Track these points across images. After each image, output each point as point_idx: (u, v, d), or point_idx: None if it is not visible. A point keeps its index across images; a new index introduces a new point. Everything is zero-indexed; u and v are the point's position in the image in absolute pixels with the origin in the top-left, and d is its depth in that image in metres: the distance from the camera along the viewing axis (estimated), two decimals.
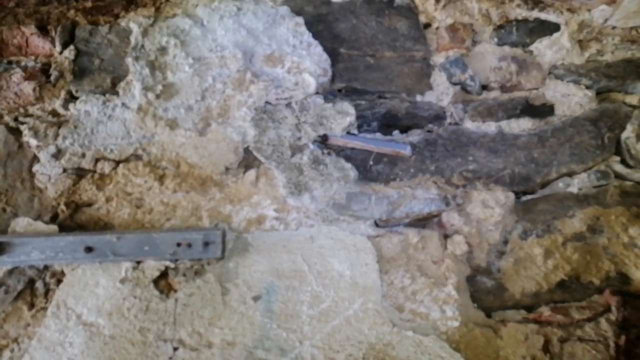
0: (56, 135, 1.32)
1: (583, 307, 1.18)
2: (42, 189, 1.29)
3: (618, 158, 1.34)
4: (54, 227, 1.23)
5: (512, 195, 1.30)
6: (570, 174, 1.33)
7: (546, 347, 1.15)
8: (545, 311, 1.18)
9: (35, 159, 1.31)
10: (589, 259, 1.24)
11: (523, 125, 1.38)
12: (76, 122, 1.33)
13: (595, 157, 1.33)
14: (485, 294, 1.24)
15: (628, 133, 1.33)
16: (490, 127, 1.38)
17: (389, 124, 1.41)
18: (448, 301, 1.20)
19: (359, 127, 1.38)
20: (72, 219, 1.27)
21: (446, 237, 1.29)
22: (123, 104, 1.34)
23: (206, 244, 1.18)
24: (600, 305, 1.18)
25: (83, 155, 1.31)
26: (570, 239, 1.26)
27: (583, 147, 1.34)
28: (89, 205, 1.29)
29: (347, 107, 1.36)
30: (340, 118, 1.35)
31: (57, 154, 1.31)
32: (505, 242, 1.28)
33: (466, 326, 1.17)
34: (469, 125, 1.39)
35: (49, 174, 1.30)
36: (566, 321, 1.17)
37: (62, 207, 1.27)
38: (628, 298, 1.18)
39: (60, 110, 1.34)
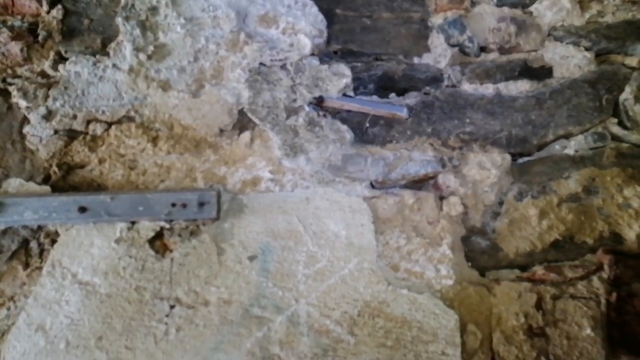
0: (46, 97, 1.30)
1: (576, 266, 1.20)
2: (33, 151, 1.27)
3: (615, 120, 1.33)
4: (46, 188, 1.22)
5: (508, 157, 1.30)
6: (567, 136, 1.33)
7: (539, 304, 1.16)
8: (538, 270, 1.20)
9: (25, 120, 1.29)
10: (583, 219, 1.24)
11: (521, 87, 1.36)
12: (66, 83, 1.30)
13: (593, 119, 1.33)
14: (480, 254, 1.25)
15: (626, 95, 1.32)
16: (488, 89, 1.36)
17: (386, 86, 1.39)
18: (443, 260, 1.21)
19: (355, 89, 1.36)
20: (64, 181, 1.26)
21: (442, 198, 1.29)
22: (114, 65, 1.31)
23: (201, 205, 1.18)
24: (593, 264, 1.19)
25: (74, 117, 1.29)
26: (565, 200, 1.26)
27: (581, 109, 1.33)
28: (82, 166, 1.27)
29: (343, 68, 1.34)
30: (336, 80, 1.33)
31: (48, 116, 1.28)
32: (501, 203, 1.28)
33: (460, 284, 1.18)
34: (467, 87, 1.37)
35: (40, 136, 1.28)
36: (559, 279, 1.18)
37: (54, 168, 1.25)
38: (620, 257, 1.19)
39: (50, 72, 1.31)
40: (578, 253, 1.23)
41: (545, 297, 1.17)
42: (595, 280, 1.17)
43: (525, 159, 1.33)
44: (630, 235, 1.22)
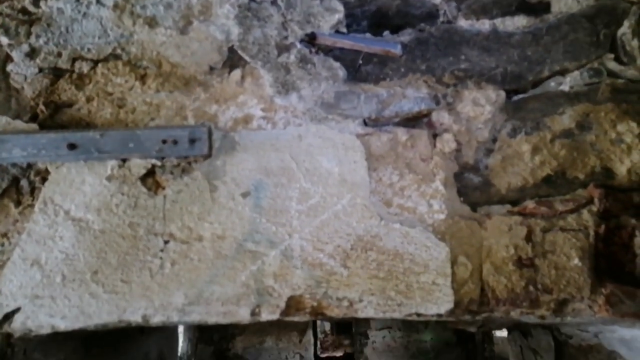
0: (29, 34, 1.25)
1: (567, 200, 1.21)
2: (18, 89, 1.24)
3: (612, 55, 1.31)
4: (34, 126, 1.19)
5: (503, 94, 1.28)
6: (563, 72, 1.31)
7: (529, 237, 1.18)
8: (529, 204, 1.21)
9: (8, 58, 1.25)
10: (576, 155, 1.24)
11: (518, 22, 1.33)
12: (49, 20, 1.26)
13: (590, 54, 1.30)
14: (472, 190, 1.25)
15: (624, 29, 1.30)
16: (484, 25, 1.33)
17: (379, 23, 1.35)
18: (435, 196, 1.21)
19: (348, 26, 1.32)
20: (52, 120, 1.23)
21: (435, 136, 1.28)
22: (98, 2, 1.27)
23: (192, 141, 1.16)
24: (584, 197, 1.20)
25: (59, 55, 1.25)
26: (559, 136, 1.26)
27: (577, 45, 1.31)
28: (70, 105, 1.25)
29: (336, 3, 1.30)
30: (329, 15, 1.29)
31: (31, 53, 1.25)
32: (494, 140, 1.28)
33: (452, 219, 1.20)
34: (462, 23, 1.33)
35: (25, 74, 1.24)
36: (549, 213, 1.19)
37: (42, 107, 1.23)
38: (610, 191, 1.20)
39: (31, 8, 1.26)
40: (569, 188, 1.23)
41: (535, 229, 1.18)
42: (585, 213, 1.19)
43: (520, 96, 1.31)
44: (621, 170, 1.23)
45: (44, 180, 1.18)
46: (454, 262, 1.16)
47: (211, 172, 1.21)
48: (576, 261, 1.15)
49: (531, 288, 1.15)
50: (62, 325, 1.10)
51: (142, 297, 1.12)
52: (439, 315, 1.15)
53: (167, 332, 2.06)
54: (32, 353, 1.19)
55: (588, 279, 1.13)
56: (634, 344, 1.37)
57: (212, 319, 1.13)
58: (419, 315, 1.14)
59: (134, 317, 1.11)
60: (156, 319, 1.12)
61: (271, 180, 1.21)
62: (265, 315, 1.13)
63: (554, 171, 1.24)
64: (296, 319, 1.20)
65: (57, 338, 1.25)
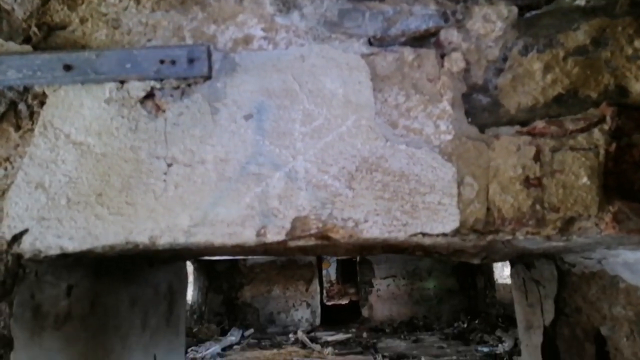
0: None
1: (578, 119, 1.17)
2: (9, 11, 1.19)
3: None
4: (27, 48, 1.16)
5: (515, 10, 1.22)
6: None
7: (537, 157, 1.16)
8: (539, 124, 1.17)
9: None
10: (589, 72, 1.20)
11: None
12: None
13: None
14: (481, 111, 1.22)
15: None
16: None
17: None
18: (442, 116, 1.18)
19: None
20: (46, 42, 1.19)
21: (443, 56, 1.23)
22: None
23: (191, 61, 1.13)
24: (596, 116, 1.16)
25: None
26: (572, 53, 1.20)
27: None
28: (63, 27, 1.20)
29: None
30: None
31: None
32: (505, 59, 1.22)
33: (459, 140, 1.17)
34: None
35: None
36: (559, 132, 1.16)
37: (34, 29, 1.18)
38: (624, 109, 1.16)
39: None
40: (581, 107, 1.19)
41: (544, 149, 1.16)
42: (596, 132, 1.15)
43: (533, 12, 1.24)
44: (636, 87, 1.18)
45: (42, 104, 1.16)
46: (460, 183, 1.15)
47: (212, 95, 1.18)
48: (585, 180, 1.13)
49: (538, 207, 1.14)
50: (70, 247, 1.11)
51: (147, 218, 1.13)
52: (444, 235, 1.15)
53: (176, 267, 2.11)
54: (43, 276, 1.22)
55: (596, 197, 1.12)
56: (637, 266, 1.38)
57: (218, 240, 1.13)
58: (424, 235, 1.15)
59: (141, 238, 1.12)
60: (163, 241, 1.13)
61: (273, 102, 1.18)
62: (271, 237, 1.14)
63: (565, 90, 1.20)
64: (301, 243, 1.21)
65: (67, 263, 1.28)
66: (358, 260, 12.37)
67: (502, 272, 10.49)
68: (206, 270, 11.78)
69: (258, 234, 1.14)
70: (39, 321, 1.20)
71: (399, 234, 1.14)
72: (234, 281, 12.24)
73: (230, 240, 1.13)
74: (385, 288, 12.13)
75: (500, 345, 8.84)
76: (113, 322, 1.56)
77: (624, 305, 1.46)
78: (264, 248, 1.43)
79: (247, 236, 1.13)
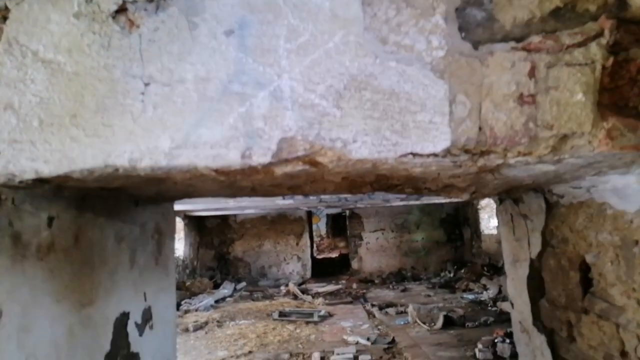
0: None
1: (575, 33, 1.12)
2: None
3: None
4: None
5: None
6: None
7: (532, 73, 1.11)
8: (535, 39, 1.12)
9: None
10: None
11: None
12: None
13: None
14: (475, 26, 1.16)
15: None
16: None
17: None
18: (434, 31, 1.12)
19: None
20: None
21: None
22: None
23: None
24: (593, 30, 1.12)
25: None
26: None
27: None
28: None
29: None
30: None
31: None
32: None
33: (452, 56, 1.12)
34: None
35: None
36: (556, 47, 1.11)
37: None
38: (623, 22, 1.11)
39: None
40: (579, 21, 1.14)
41: (539, 65, 1.11)
42: (593, 46, 1.11)
43: None
44: (636, 0, 1.13)
45: (4, 19, 1.07)
46: (452, 101, 1.11)
47: (189, 8, 1.10)
48: (579, 96, 1.10)
49: (531, 125, 1.11)
50: (46, 170, 1.06)
51: (126, 141, 1.08)
52: (435, 155, 1.12)
53: (163, 208, 2.08)
54: (22, 204, 1.17)
55: (590, 114, 1.09)
56: (626, 191, 1.38)
57: (202, 163, 1.09)
58: (414, 155, 1.12)
59: (120, 161, 1.08)
60: (143, 163, 1.08)
61: (256, 17, 1.10)
62: (257, 158, 1.10)
63: (563, 3, 1.14)
64: (288, 168, 1.18)
65: (46, 192, 1.23)
66: (348, 214, 12.53)
67: (488, 223, 10.74)
68: (197, 226, 11.86)
69: (243, 156, 1.10)
70: (20, 249, 1.17)
71: (389, 154, 1.10)
72: (225, 237, 12.37)
73: (214, 163, 1.09)
74: (375, 241, 12.39)
75: (485, 292, 9.18)
76: (99, 257, 1.54)
77: (610, 231, 1.47)
78: (251, 182, 1.40)
79: (232, 158, 1.09)
